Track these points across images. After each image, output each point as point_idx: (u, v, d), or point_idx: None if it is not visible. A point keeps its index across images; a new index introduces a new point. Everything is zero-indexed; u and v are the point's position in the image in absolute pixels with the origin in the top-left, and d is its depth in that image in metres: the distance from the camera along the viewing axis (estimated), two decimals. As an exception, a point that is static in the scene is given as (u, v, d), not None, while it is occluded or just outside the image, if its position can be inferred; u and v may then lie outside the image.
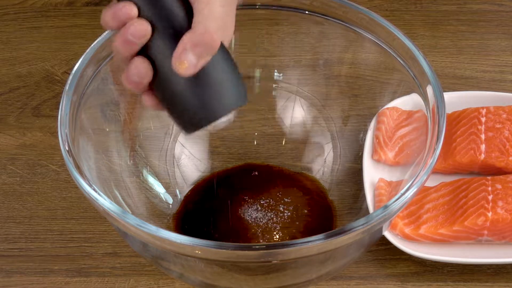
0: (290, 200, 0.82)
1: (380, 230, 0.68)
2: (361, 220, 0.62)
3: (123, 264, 0.80)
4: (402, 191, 0.64)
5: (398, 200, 0.64)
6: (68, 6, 1.07)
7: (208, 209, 0.81)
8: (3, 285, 0.79)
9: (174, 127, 0.84)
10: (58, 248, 0.82)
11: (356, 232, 0.61)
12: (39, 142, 0.91)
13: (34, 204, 0.85)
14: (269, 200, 0.81)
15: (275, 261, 0.63)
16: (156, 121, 0.83)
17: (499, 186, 0.79)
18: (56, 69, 0.99)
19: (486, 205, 0.77)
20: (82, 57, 0.72)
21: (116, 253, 0.81)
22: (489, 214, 0.77)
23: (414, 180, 0.65)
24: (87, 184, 0.64)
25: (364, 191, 0.80)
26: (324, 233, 0.61)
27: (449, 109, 0.87)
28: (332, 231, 0.61)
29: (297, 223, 0.80)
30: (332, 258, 0.69)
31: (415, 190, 0.64)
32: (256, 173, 0.84)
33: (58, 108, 0.68)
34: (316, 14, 0.79)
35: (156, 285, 0.79)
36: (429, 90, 0.71)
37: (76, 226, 0.83)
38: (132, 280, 0.79)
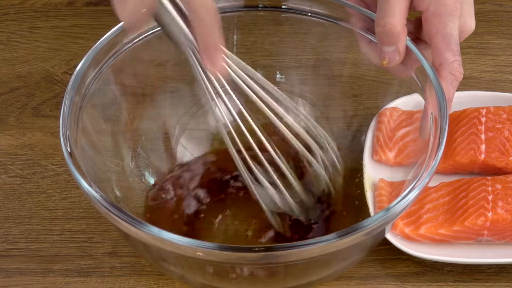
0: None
1: (383, 232, 0.68)
2: (363, 223, 0.61)
3: (123, 264, 0.80)
4: (404, 194, 0.64)
5: (400, 202, 0.63)
6: (68, 6, 1.07)
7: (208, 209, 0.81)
8: (3, 285, 0.79)
9: (176, 129, 0.84)
10: (58, 248, 0.81)
11: (358, 235, 0.61)
12: (39, 142, 0.90)
13: (34, 204, 0.85)
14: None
15: (277, 263, 0.63)
16: (158, 122, 0.83)
17: (499, 186, 0.79)
18: (56, 69, 0.98)
19: (486, 205, 0.77)
20: (84, 58, 0.72)
21: (116, 253, 0.81)
22: (489, 214, 0.77)
23: (416, 182, 0.65)
24: (89, 184, 0.64)
25: (364, 191, 0.80)
26: (326, 235, 0.60)
27: (449, 109, 0.87)
28: (335, 233, 0.61)
29: (297, 224, 0.80)
30: (335, 260, 0.69)
31: (417, 192, 0.64)
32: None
33: (58, 108, 0.68)
34: (317, 15, 0.79)
35: (156, 285, 0.78)
36: (431, 90, 0.71)
37: (76, 226, 0.83)
38: (132, 280, 0.79)
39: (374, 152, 0.83)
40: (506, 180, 0.80)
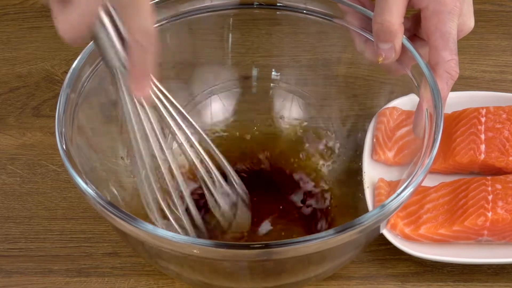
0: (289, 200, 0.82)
1: (377, 229, 0.68)
2: (358, 220, 0.62)
3: (123, 264, 0.80)
4: (398, 191, 0.64)
5: (394, 200, 0.64)
6: (68, 6, 1.07)
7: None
8: (3, 285, 0.79)
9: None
10: (58, 248, 0.81)
11: (353, 232, 0.62)
12: (39, 142, 0.91)
13: (34, 204, 0.85)
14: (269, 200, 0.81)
15: (273, 260, 0.63)
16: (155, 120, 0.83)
17: (499, 186, 0.79)
18: (56, 69, 0.99)
19: (486, 205, 0.77)
20: (80, 54, 0.72)
21: (116, 253, 0.81)
22: (489, 214, 0.77)
23: (411, 180, 0.65)
24: (84, 182, 0.64)
25: (364, 191, 0.80)
26: (321, 232, 0.61)
27: (449, 109, 0.87)
28: (329, 230, 0.61)
29: (296, 223, 0.80)
30: (330, 256, 0.69)
31: (411, 190, 0.64)
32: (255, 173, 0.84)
33: (58, 108, 0.68)
34: (315, 14, 0.79)
35: (156, 285, 0.79)
36: (426, 87, 0.71)
37: (76, 226, 0.83)
38: (132, 280, 0.79)
39: (373, 151, 0.83)
40: (506, 180, 0.80)
